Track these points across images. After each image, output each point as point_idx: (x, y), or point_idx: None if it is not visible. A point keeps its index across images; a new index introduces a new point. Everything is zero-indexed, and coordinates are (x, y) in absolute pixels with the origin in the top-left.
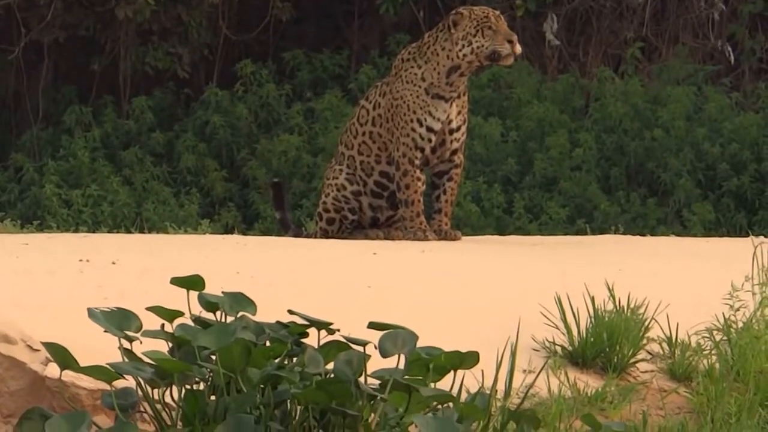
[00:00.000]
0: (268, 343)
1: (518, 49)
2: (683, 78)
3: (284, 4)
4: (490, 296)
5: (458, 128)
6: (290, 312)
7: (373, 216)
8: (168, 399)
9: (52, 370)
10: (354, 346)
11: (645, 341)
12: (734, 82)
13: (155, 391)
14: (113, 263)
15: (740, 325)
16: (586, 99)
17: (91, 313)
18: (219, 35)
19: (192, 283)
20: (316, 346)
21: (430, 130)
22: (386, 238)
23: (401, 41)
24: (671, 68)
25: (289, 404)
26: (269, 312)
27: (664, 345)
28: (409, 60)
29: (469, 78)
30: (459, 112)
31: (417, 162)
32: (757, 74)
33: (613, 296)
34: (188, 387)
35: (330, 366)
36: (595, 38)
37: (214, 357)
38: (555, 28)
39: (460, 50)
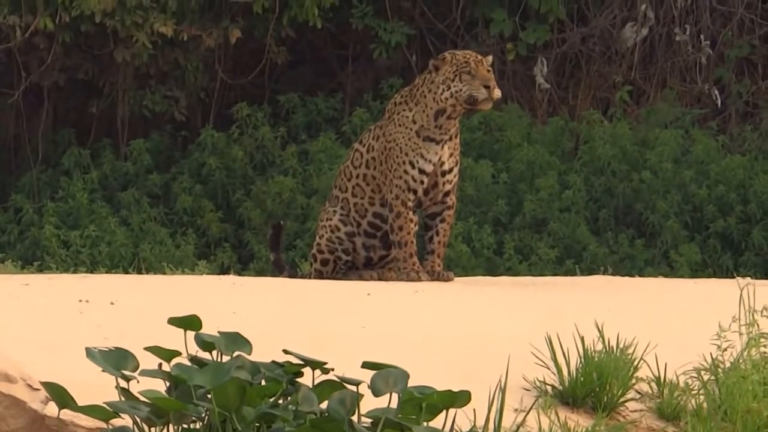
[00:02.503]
0: (263, 383)
1: (496, 93)
2: (671, 121)
3: (280, 48)
4: (481, 336)
5: (450, 170)
6: (285, 351)
7: (367, 256)
8: None
9: (52, 409)
10: (348, 386)
11: (634, 381)
12: (721, 125)
13: (152, 429)
14: (112, 303)
15: (728, 365)
16: (576, 141)
17: (89, 353)
18: (215, 79)
19: (189, 323)
20: (311, 386)
21: (422, 172)
22: (380, 279)
23: (394, 85)
24: (659, 111)
25: None
26: (265, 351)
27: (653, 385)
28: (401, 103)
29: (459, 120)
30: (451, 155)
31: (410, 204)
32: (743, 117)
33: (602, 336)
34: (184, 426)
35: (324, 405)
36: (584, 82)
37: (210, 396)
38: (545, 71)
39: (441, 94)
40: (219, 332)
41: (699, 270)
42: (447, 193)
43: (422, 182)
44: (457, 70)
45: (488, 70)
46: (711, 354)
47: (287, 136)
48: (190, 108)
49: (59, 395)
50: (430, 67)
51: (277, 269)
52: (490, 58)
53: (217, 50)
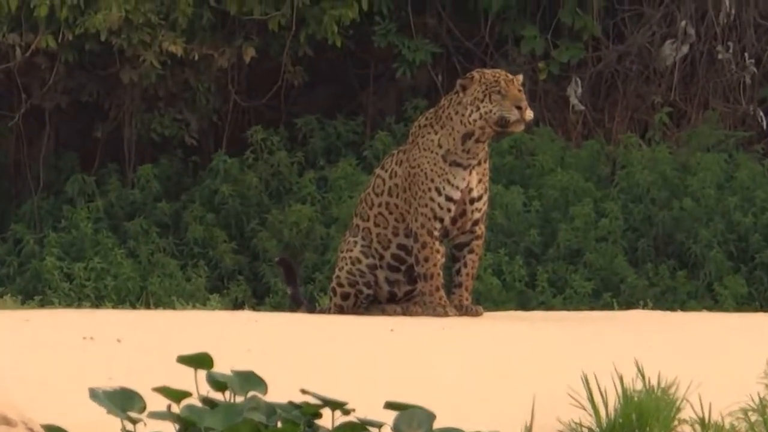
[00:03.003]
0: (279, 424)
1: (528, 115)
2: (713, 144)
3: (296, 68)
4: (512, 374)
5: (479, 197)
6: (303, 391)
7: (390, 291)
8: None
9: None
10: (369, 428)
11: (676, 422)
12: (767, 148)
13: None
14: (118, 341)
15: None
16: (612, 166)
17: (93, 394)
18: (228, 100)
19: (200, 361)
20: (330, 428)
21: (449, 199)
22: (404, 314)
23: (418, 106)
24: (701, 134)
25: None
26: (281, 391)
27: (697, 427)
28: (426, 126)
29: (489, 144)
30: (480, 180)
31: (436, 233)
32: None
33: (642, 375)
34: None
35: None
36: (620, 103)
37: None
38: (579, 92)
39: (470, 115)
40: (232, 371)
41: (745, 303)
42: (476, 222)
43: (449, 210)
44: (487, 89)
45: (519, 90)
46: (758, 393)
47: (305, 161)
48: (202, 132)
49: None
50: (457, 87)
51: (295, 304)
52: (521, 77)
53: (230, 70)
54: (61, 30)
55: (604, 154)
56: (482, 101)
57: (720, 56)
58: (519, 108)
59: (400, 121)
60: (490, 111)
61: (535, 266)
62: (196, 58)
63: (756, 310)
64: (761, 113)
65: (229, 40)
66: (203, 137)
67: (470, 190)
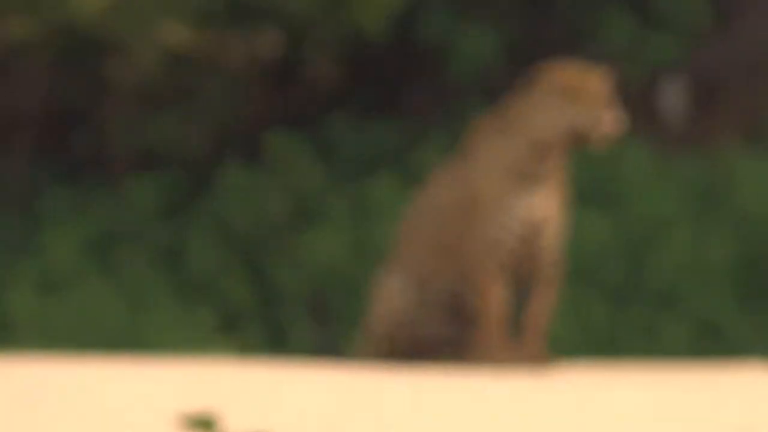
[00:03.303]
0: None
1: (618, 122)
2: None
3: (324, 62)
4: None
5: (553, 222)
6: None
7: (438, 335)
8: None
9: None
10: None
11: None
12: None
13: None
14: (103, 395)
15: None
16: (717, 186)
17: None
18: (242, 102)
19: (204, 420)
20: None
21: (515, 223)
22: (455, 365)
23: (476, 109)
24: None
25: None
26: None
27: None
28: (486, 134)
29: (564, 158)
30: (553, 202)
31: (498, 268)
32: None
33: None
34: None
35: None
36: (729, 108)
37: None
38: (677, 94)
39: (540, 122)
40: None
41: None
42: (547, 253)
43: (515, 238)
44: (565, 89)
45: (605, 91)
46: None
47: (335, 176)
48: (208, 140)
49: None
50: (525, 86)
51: (321, 351)
52: (608, 74)
53: (246, 66)
54: (37, 20)
55: (707, 171)
56: (556, 104)
57: None
58: (604, 114)
59: (453, 127)
60: (566, 117)
61: (619, 308)
62: (204, 51)
63: None
64: None
65: (245, 30)
66: (210, 147)
67: (542, 216)
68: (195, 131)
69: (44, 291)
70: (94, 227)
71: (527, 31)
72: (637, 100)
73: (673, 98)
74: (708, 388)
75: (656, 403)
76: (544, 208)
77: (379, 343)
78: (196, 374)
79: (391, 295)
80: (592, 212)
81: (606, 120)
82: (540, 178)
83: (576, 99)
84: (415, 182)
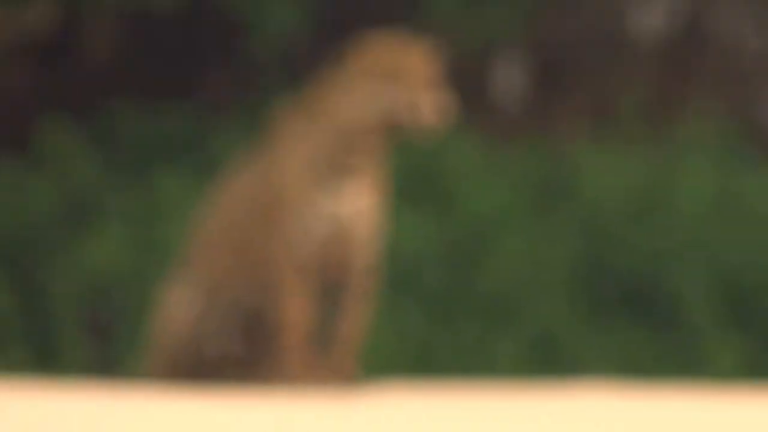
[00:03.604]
0: None
1: (446, 108)
2: (705, 149)
3: (103, 36)
4: None
5: (364, 223)
6: None
7: (231, 352)
8: None
9: None
10: None
11: None
12: None
13: None
14: None
15: None
16: (560, 181)
17: None
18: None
19: None
20: None
21: (319, 224)
22: (250, 383)
23: (280, 90)
24: (690, 134)
25: None
26: None
27: None
28: (290, 121)
29: (380, 148)
30: (366, 200)
31: (301, 274)
32: None
33: None
34: None
35: None
36: (577, 89)
37: None
38: (513, 74)
39: (352, 106)
40: None
41: (745, 373)
42: (360, 259)
43: (320, 242)
44: (379, 67)
45: (430, 70)
46: None
47: (116, 170)
48: None
49: None
50: (336, 65)
51: (97, 369)
52: (433, 48)
53: (9, 42)
54: None
55: (547, 163)
56: (369, 86)
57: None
58: (426, 97)
59: (253, 112)
60: (382, 101)
61: (442, 319)
62: None
63: (760, 381)
64: None
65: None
66: None
67: (352, 212)
68: None
69: None
70: None
71: (339, 0)
72: (467, 80)
73: (509, 79)
74: (541, 412)
75: (488, 424)
76: (355, 205)
77: (163, 360)
78: None
79: (178, 306)
80: (413, 211)
81: (429, 104)
82: (352, 171)
83: (393, 79)
84: (210, 176)
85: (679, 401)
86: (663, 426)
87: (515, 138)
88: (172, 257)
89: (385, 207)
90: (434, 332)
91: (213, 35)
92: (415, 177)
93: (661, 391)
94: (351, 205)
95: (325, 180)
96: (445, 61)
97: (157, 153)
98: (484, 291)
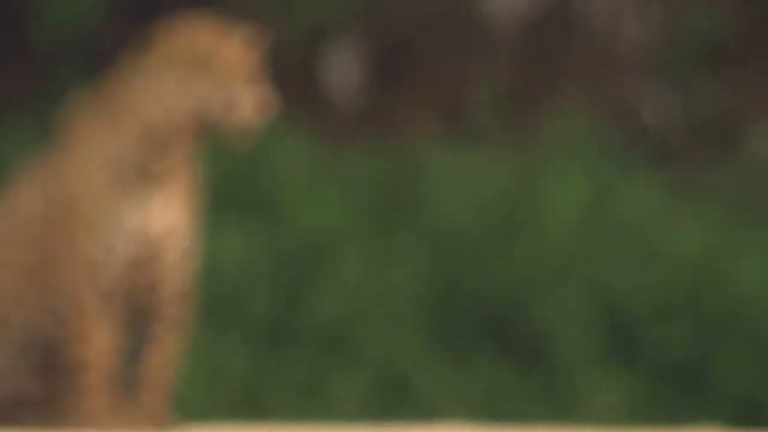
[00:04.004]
0: None
1: (268, 103)
2: (571, 151)
3: None
4: None
5: (176, 240)
6: None
7: (20, 391)
8: None
9: None
10: None
11: None
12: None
13: None
14: None
15: None
16: (404, 189)
17: None
18: None
19: None
20: None
21: (123, 241)
22: (47, 427)
23: (71, 83)
24: (557, 134)
25: None
26: None
27: None
28: (84, 116)
29: (191, 151)
30: (177, 212)
31: (100, 299)
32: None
33: None
34: None
35: None
36: (419, 83)
37: None
38: (347, 63)
39: (157, 101)
40: None
41: (626, 418)
42: (171, 282)
43: (125, 262)
44: (185, 57)
45: (250, 59)
46: None
47: None
48: None
49: None
50: (137, 53)
51: None
52: (251, 36)
53: None
54: None
55: (390, 167)
56: (177, 77)
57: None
58: (244, 91)
59: (37, 112)
60: (191, 95)
61: (266, 352)
62: None
63: (643, 427)
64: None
65: None
66: None
67: (162, 227)
68: None
69: None
70: None
71: None
72: (293, 71)
73: (343, 70)
74: None
75: None
76: (164, 219)
77: None
78: None
79: None
80: (231, 225)
81: (247, 99)
82: (158, 178)
83: (206, 70)
84: None
85: None
86: None
87: (352, 139)
88: None
89: (198, 221)
90: (260, 369)
91: None
92: (233, 185)
93: None
94: (160, 218)
95: (128, 188)
96: (266, 49)
97: None
98: (319, 320)
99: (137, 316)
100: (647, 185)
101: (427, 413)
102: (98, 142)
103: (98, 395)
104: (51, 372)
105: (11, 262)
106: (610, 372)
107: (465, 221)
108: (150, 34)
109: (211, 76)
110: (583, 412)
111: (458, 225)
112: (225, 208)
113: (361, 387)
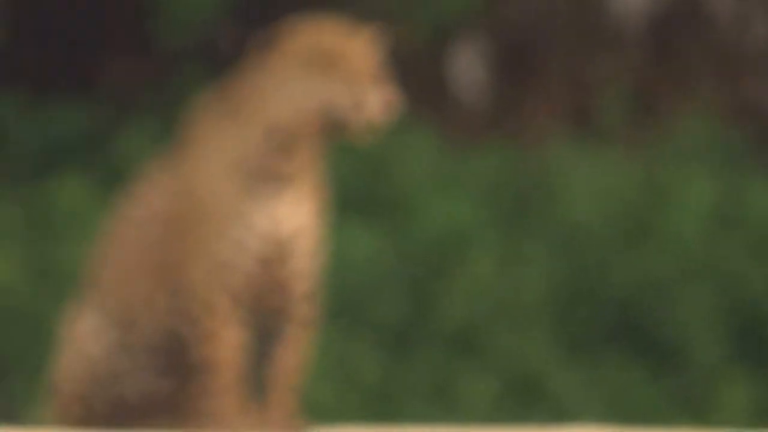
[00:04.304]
0: None
1: (388, 104)
2: (700, 152)
3: None
4: None
5: (305, 240)
6: None
7: (148, 392)
8: None
9: None
10: None
11: None
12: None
13: None
14: None
15: None
16: (534, 188)
17: None
18: None
19: None
20: None
21: (253, 241)
22: (176, 429)
23: (195, 83)
24: (685, 136)
25: None
26: None
27: None
28: (209, 117)
29: (317, 151)
30: (305, 213)
31: (230, 300)
32: None
33: None
34: None
35: None
36: (549, 79)
37: None
38: (474, 62)
39: (282, 103)
40: None
41: (756, 419)
42: (301, 283)
43: (254, 262)
44: (310, 58)
45: (375, 59)
46: None
47: (2, 177)
48: None
49: None
50: (261, 54)
51: None
52: (377, 35)
53: None
54: None
55: (518, 168)
56: (302, 79)
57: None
58: (371, 91)
59: (164, 111)
60: (317, 96)
61: (399, 356)
62: None
63: None
64: None
65: None
66: None
67: (291, 228)
68: None
69: None
70: None
71: None
72: (419, 70)
73: (470, 69)
74: None
75: None
76: (293, 219)
77: (68, 403)
78: None
79: (84, 339)
80: (359, 227)
81: (373, 98)
82: (285, 178)
83: (331, 70)
84: (115, 184)
85: None
86: None
87: (479, 138)
88: (73, 281)
89: (326, 221)
90: (390, 371)
91: (119, 19)
92: (361, 185)
93: None
94: (288, 218)
95: (255, 188)
96: (391, 49)
97: (52, 157)
98: (448, 321)
99: (266, 317)
100: None
101: (559, 416)
102: (223, 142)
103: (228, 396)
104: (180, 373)
105: (138, 263)
106: (742, 373)
107: (593, 221)
108: (272, 34)
109: (337, 76)
110: (715, 413)
111: (587, 225)
112: (352, 209)
113: (491, 389)
